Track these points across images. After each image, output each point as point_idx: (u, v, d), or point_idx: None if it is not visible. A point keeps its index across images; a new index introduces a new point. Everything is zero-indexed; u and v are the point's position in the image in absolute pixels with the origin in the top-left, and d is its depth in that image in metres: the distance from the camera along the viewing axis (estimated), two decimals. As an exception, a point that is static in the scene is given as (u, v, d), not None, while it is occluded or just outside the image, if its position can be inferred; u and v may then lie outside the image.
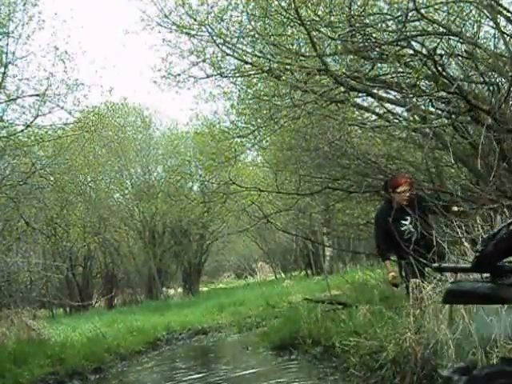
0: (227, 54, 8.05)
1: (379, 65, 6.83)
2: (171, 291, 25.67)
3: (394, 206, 6.06)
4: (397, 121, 7.32)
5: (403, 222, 5.99)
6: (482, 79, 6.71)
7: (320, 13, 6.70)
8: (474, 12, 6.97)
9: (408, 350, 4.87)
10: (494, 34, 7.01)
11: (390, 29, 6.48)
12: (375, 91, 7.09)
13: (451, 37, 6.66)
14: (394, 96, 7.46)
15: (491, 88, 6.65)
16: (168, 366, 9.76)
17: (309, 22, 6.37)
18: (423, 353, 4.67)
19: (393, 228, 5.69)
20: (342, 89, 6.74)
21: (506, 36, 6.46)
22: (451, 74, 6.62)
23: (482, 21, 7.15)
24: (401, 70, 6.73)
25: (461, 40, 6.60)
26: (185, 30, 8.25)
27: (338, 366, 6.47)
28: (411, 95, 6.38)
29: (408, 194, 6.00)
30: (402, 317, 5.45)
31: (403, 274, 5.91)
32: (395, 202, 6.10)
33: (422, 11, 5.97)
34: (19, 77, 10.95)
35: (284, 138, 10.11)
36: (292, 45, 7.45)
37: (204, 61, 8.33)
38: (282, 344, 8.73)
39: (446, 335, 4.31)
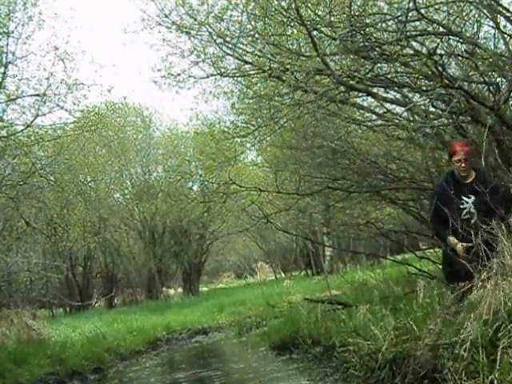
0: (227, 54, 8.05)
1: (379, 65, 6.83)
2: (171, 291, 25.67)
3: (457, 177, 5.23)
4: (397, 121, 7.32)
5: (465, 198, 5.12)
6: (482, 79, 6.71)
7: (320, 13, 6.70)
8: (473, 12, 6.96)
9: (408, 350, 4.87)
10: (494, 34, 7.03)
11: (390, 29, 6.48)
12: (375, 91, 7.09)
13: (451, 37, 6.66)
14: (394, 96, 7.46)
15: (491, 88, 6.65)
16: (168, 366, 9.76)
17: (309, 22, 6.37)
18: (423, 353, 4.67)
19: (450, 202, 5.02)
20: (343, 89, 6.74)
21: (506, 36, 6.46)
22: (451, 74, 6.61)
23: (482, 21, 7.16)
24: (401, 69, 6.73)
25: (461, 40, 6.61)
26: (185, 30, 8.25)
27: (338, 366, 6.46)
28: (412, 94, 6.38)
29: (463, 165, 5.12)
30: (402, 317, 5.45)
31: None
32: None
33: (422, 11, 5.97)
34: (19, 77, 10.98)
35: (284, 138, 10.11)
36: (292, 45, 7.45)
37: (204, 60, 8.33)
38: (282, 344, 8.73)
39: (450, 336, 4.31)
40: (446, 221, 4.98)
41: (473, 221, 5.03)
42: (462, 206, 5.08)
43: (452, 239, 5.05)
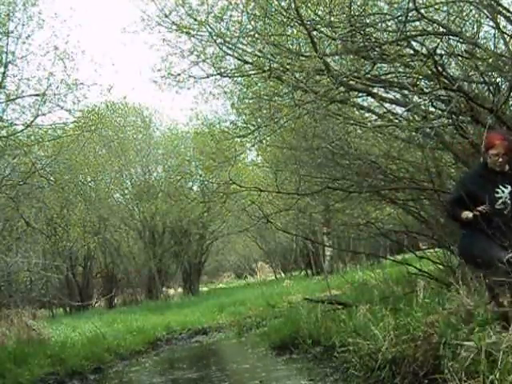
0: (227, 54, 8.04)
1: (379, 65, 6.83)
2: (171, 291, 25.68)
3: (491, 168, 4.91)
4: (397, 121, 7.32)
5: (501, 187, 4.83)
6: (482, 79, 6.71)
7: (320, 13, 6.70)
8: (473, 12, 6.97)
9: (408, 350, 4.87)
10: (494, 34, 7.03)
11: (390, 29, 6.48)
12: (375, 91, 7.09)
13: (451, 37, 6.66)
14: (394, 96, 7.46)
15: (491, 88, 6.65)
16: (168, 366, 9.76)
17: (309, 22, 6.37)
18: (423, 353, 4.67)
19: (481, 192, 4.71)
20: (343, 89, 6.74)
21: (506, 36, 6.46)
22: (451, 74, 6.62)
23: (482, 21, 7.16)
24: (401, 69, 6.73)
25: (461, 40, 6.61)
26: (185, 30, 8.24)
27: (338, 366, 6.47)
28: (412, 94, 6.37)
29: (501, 160, 4.80)
30: (402, 317, 5.45)
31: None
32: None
33: (422, 11, 5.97)
34: (19, 76, 10.97)
35: (284, 138, 10.11)
36: (292, 45, 7.45)
37: (204, 60, 8.32)
38: (282, 344, 8.74)
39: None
40: (467, 208, 4.75)
41: (506, 211, 4.81)
42: (497, 195, 4.83)
43: (465, 212, 4.76)
